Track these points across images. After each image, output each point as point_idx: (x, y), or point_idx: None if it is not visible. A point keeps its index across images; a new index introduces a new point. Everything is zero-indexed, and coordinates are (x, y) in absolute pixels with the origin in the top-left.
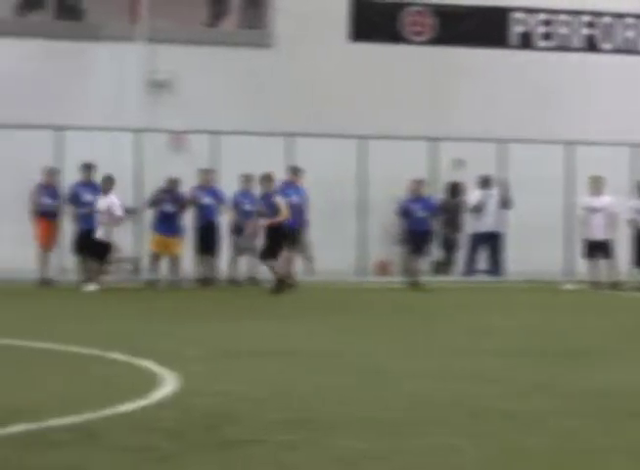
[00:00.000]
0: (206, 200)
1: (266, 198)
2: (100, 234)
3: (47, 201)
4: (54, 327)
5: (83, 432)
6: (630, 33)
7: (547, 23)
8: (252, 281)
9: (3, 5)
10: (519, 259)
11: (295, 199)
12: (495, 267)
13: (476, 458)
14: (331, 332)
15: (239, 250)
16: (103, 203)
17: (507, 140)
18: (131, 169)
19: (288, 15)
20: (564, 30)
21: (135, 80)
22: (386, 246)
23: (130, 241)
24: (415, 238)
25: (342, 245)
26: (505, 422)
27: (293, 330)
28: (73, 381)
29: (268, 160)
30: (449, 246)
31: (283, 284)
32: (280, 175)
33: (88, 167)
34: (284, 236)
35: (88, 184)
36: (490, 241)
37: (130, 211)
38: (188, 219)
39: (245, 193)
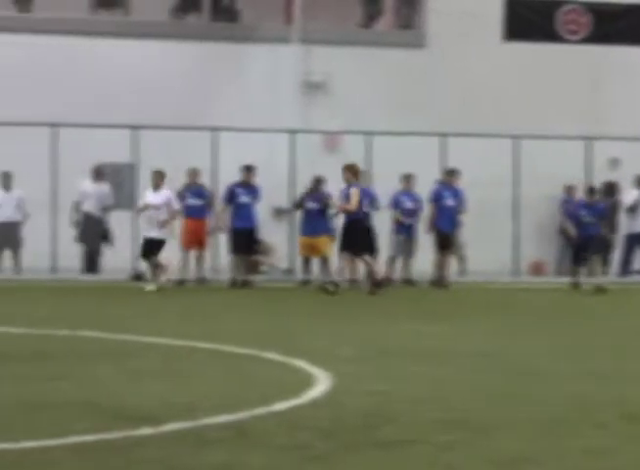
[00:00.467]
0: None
1: (346, 189)
2: (156, 232)
3: (192, 201)
4: (209, 326)
5: (237, 430)
6: None
7: None
8: (408, 282)
9: (160, 8)
10: None
11: (449, 202)
12: None
13: (631, 461)
14: (485, 332)
15: (399, 249)
16: (156, 198)
17: None
18: (286, 170)
19: (441, 15)
20: None
21: (290, 82)
22: (540, 246)
23: (284, 242)
24: (584, 242)
25: (495, 245)
26: None
27: (446, 330)
28: (228, 380)
29: (422, 160)
30: (605, 246)
31: (379, 283)
32: (433, 176)
33: (249, 169)
34: (361, 231)
35: (246, 185)
36: None
37: (283, 212)
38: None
39: (405, 192)
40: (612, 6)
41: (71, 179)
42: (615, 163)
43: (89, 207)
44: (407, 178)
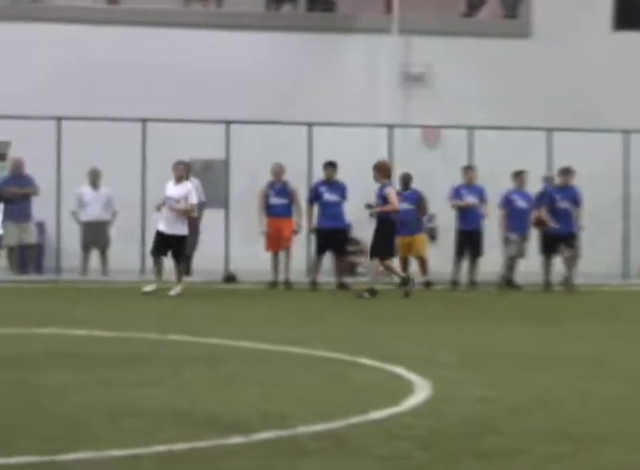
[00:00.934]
0: (470, 198)
1: (382, 188)
2: (179, 228)
3: (275, 200)
4: (300, 330)
5: (334, 440)
6: None
7: None
8: (509, 284)
9: None
10: None
11: (563, 204)
12: None
13: None
14: (594, 337)
15: (514, 251)
16: (177, 190)
17: None
18: None
19: (547, 3)
20: None
21: (388, 74)
22: None
23: None
24: None
25: (604, 245)
26: None
27: (552, 334)
28: (322, 386)
29: (526, 156)
30: None
31: (408, 285)
32: (538, 173)
33: (331, 166)
34: (394, 233)
35: (330, 183)
36: None
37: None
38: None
39: (517, 191)
40: None
41: (161, 177)
42: None
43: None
44: (519, 176)
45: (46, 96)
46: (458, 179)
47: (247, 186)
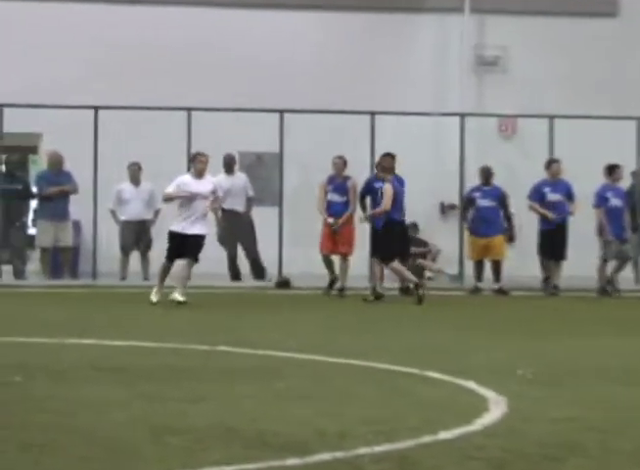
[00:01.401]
0: (554, 196)
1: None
2: (198, 228)
3: (333, 196)
4: (360, 341)
5: (398, 461)
6: None
7: None
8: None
9: None
10: None
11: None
12: None
13: None
14: None
15: (613, 254)
16: (203, 186)
17: None
18: (456, 160)
19: None
20: None
21: (460, 57)
22: None
23: (453, 243)
24: None
25: None
26: None
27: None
28: (387, 402)
29: (614, 148)
30: None
31: (416, 291)
32: (629, 167)
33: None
34: (398, 234)
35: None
36: None
37: (451, 208)
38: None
39: (610, 186)
40: None
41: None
42: None
43: (230, 203)
44: (612, 170)
45: (81, 84)
46: (539, 173)
47: (302, 182)
